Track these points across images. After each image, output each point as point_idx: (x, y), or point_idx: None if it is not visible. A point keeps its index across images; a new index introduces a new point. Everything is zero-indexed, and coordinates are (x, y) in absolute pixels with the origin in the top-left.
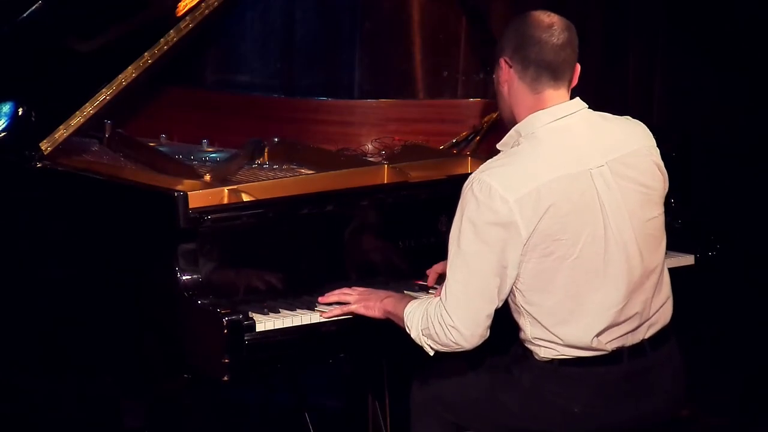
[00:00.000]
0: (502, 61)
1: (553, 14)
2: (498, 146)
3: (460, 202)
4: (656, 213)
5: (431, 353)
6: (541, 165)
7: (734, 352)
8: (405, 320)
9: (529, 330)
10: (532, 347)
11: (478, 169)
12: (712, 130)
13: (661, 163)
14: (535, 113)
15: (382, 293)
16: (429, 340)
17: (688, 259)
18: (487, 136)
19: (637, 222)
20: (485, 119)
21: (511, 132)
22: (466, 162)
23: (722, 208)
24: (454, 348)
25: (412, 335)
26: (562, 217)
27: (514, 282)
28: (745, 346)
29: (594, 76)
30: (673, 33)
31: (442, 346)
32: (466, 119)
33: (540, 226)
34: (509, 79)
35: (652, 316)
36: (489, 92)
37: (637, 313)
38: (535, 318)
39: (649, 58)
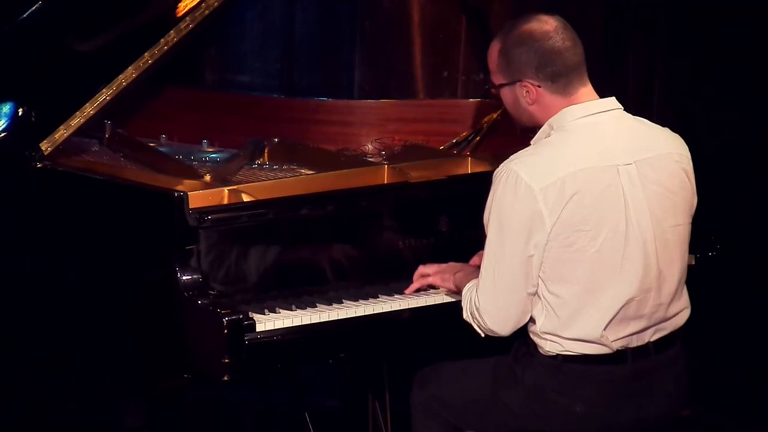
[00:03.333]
0: (524, 85)
1: (544, 17)
2: (532, 141)
3: (490, 190)
4: (680, 221)
5: (482, 335)
6: (568, 156)
7: (734, 352)
8: (462, 300)
9: (541, 321)
10: (538, 340)
11: (507, 159)
12: (712, 130)
13: (692, 173)
14: (569, 107)
15: (457, 266)
16: (475, 323)
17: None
18: (487, 136)
19: (658, 224)
20: (485, 119)
21: (544, 126)
22: (466, 162)
23: (722, 208)
24: (491, 333)
25: (463, 315)
26: (584, 207)
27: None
28: (745, 345)
29: (594, 76)
30: (673, 33)
31: (482, 330)
32: (466, 119)
33: (563, 215)
34: (537, 97)
35: (662, 322)
36: (489, 92)
37: (645, 315)
38: (552, 308)
39: (649, 58)
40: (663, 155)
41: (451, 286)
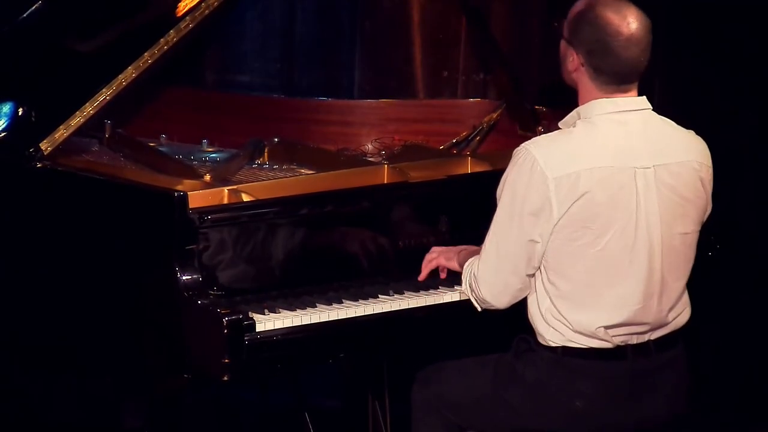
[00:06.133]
0: (574, 53)
1: (632, 18)
2: (559, 124)
3: (508, 165)
4: (689, 229)
5: (478, 308)
6: (588, 151)
7: (734, 351)
8: (462, 272)
9: (547, 306)
10: (542, 327)
11: (530, 140)
12: (713, 130)
13: (708, 182)
14: (598, 100)
15: (461, 247)
16: (472, 294)
17: None
18: (487, 136)
19: (667, 231)
20: (485, 119)
21: (573, 112)
22: (466, 162)
23: (722, 208)
24: (487, 305)
25: (462, 287)
26: (595, 206)
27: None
28: (745, 345)
29: None
30: (673, 33)
31: (479, 301)
32: (466, 119)
33: (572, 209)
34: (578, 70)
35: (662, 326)
36: (489, 92)
37: (648, 322)
38: (551, 298)
39: (649, 58)
40: (683, 162)
41: (455, 264)
